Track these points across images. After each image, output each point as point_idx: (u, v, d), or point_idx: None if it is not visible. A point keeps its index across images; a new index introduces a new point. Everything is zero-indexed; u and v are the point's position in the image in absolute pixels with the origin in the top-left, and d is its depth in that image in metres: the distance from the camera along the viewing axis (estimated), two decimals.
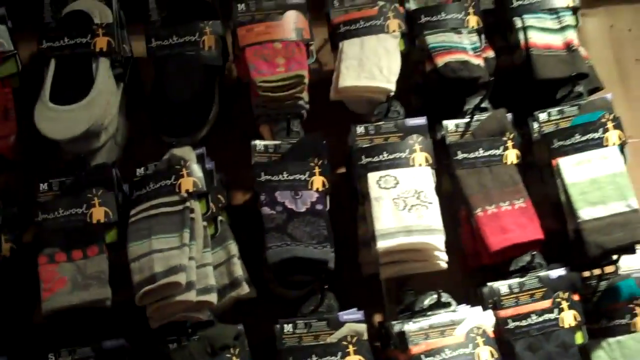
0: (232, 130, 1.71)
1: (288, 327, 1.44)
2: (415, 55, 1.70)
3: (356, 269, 1.58)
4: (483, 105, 1.66)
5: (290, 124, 1.60)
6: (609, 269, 1.56)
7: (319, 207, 1.53)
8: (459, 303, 1.51)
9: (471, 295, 1.53)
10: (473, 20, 1.70)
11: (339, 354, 1.40)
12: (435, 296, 1.47)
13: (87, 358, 1.42)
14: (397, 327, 1.44)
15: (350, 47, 1.65)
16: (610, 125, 1.59)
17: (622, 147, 1.58)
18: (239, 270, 1.47)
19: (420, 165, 1.55)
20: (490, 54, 1.72)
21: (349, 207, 1.60)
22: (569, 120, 1.62)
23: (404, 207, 1.50)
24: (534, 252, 1.53)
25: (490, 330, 1.43)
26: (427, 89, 1.71)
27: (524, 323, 1.47)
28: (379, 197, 1.51)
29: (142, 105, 1.66)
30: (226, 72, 1.77)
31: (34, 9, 1.70)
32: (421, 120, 1.61)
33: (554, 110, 1.63)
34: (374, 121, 1.62)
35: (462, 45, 1.67)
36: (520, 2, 1.71)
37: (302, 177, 1.55)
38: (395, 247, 1.45)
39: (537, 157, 1.62)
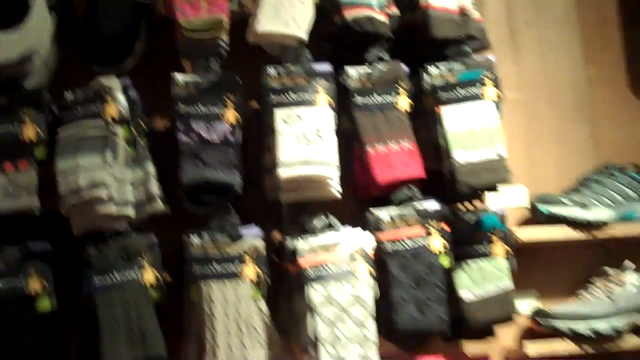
0: (157, 62, 1.86)
1: (195, 239, 1.65)
2: (327, 7, 1.89)
3: (261, 193, 1.79)
4: (383, 56, 1.87)
5: (209, 62, 1.78)
6: (476, 204, 1.82)
7: (231, 138, 1.72)
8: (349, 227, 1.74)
9: (358, 220, 1.76)
10: None
11: (238, 263, 1.63)
12: (324, 218, 1.70)
13: (14, 256, 1.60)
14: (290, 243, 1.67)
15: None
16: (489, 83, 1.82)
17: (497, 103, 1.82)
18: (155, 188, 1.65)
19: (322, 105, 1.76)
20: (395, 11, 1.92)
21: (258, 138, 1.80)
22: (455, 75, 1.85)
23: (305, 142, 1.71)
24: (414, 187, 1.77)
25: (369, 251, 1.68)
26: (335, 38, 1.91)
27: (398, 246, 1.71)
28: (283, 131, 1.71)
29: (73, 35, 1.80)
30: (154, 7, 1.91)
31: None
32: (326, 66, 1.80)
33: (443, 66, 1.85)
34: (285, 64, 1.81)
35: (369, 2, 1.86)
36: None
37: (217, 110, 1.73)
38: (294, 176, 1.67)
39: (425, 105, 1.85)
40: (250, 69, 1.80)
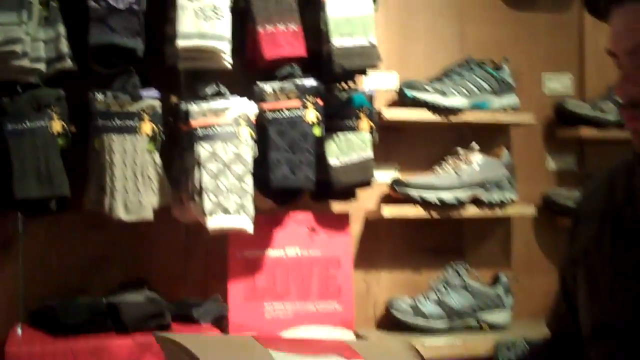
0: None
1: (99, 96, 1.88)
2: None
3: (161, 59, 2.01)
4: None
5: None
6: (349, 85, 2.11)
7: (136, 7, 1.90)
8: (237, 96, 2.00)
9: (245, 90, 2.01)
10: None
11: (136, 119, 1.87)
12: (215, 86, 1.95)
13: None
14: (184, 106, 1.92)
15: None
16: None
17: None
18: (64, 47, 1.85)
19: None
20: None
21: (162, 9, 2.00)
22: None
23: (202, 17, 1.92)
24: (296, 65, 2.03)
25: (252, 117, 1.95)
26: None
27: (278, 115, 1.99)
28: (184, 6, 1.91)
29: None
30: None
31: None
32: None
33: None
34: None
35: None
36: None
37: None
38: (190, 47, 1.90)
39: None
40: None
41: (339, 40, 2.01)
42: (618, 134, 2.39)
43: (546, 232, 2.52)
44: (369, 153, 2.11)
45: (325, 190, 2.11)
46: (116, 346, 1.77)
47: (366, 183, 2.14)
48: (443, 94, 2.29)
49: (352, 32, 2.02)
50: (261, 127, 1.97)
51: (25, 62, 1.78)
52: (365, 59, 2.03)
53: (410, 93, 2.27)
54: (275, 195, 2.05)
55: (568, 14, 2.57)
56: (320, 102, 2.03)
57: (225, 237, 2.05)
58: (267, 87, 2.00)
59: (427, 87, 2.29)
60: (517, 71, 2.44)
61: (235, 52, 1.97)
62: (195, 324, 1.95)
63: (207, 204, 1.88)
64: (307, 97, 2.01)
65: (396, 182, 2.28)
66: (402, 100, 2.29)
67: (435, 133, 2.40)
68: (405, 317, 2.22)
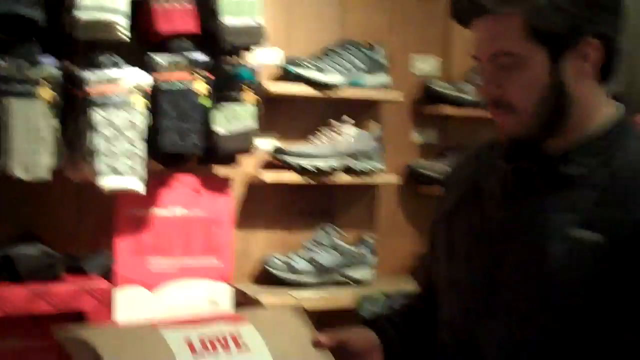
0: None
1: (0, 62, 1.98)
2: None
3: (61, 28, 2.11)
4: None
5: None
6: (236, 60, 2.29)
7: None
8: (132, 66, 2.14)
9: (140, 61, 2.16)
10: None
11: (35, 85, 1.99)
12: (111, 56, 2.09)
13: None
14: (80, 73, 2.05)
15: None
16: None
17: None
18: None
19: None
20: None
21: None
22: None
23: None
24: (188, 40, 2.20)
25: (145, 87, 2.11)
26: None
27: (170, 86, 2.15)
28: None
29: None
30: None
31: None
32: None
33: None
34: None
35: None
36: None
37: None
38: (88, 19, 2.02)
39: None
40: None
41: (228, 19, 2.19)
42: (475, 112, 2.70)
43: (409, 199, 2.81)
44: (252, 123, 2.31)
45: (210, 156, 2.30)
46: (12, 294, 1.92)
47: (247, 150, 2.33)
48: (322, 71, 2.52)
49: (241, 13, 2.20)
50: (154, 97, 2.13)
51: None
52: (251, 37, 2.22)
53: (292, 69, 2.48)
54: (165, 159, 2.22)
55: (438, 2, 2.83)
56: (210, 76, 2.21)
57: (115, 196, 2.21)
58: (160, 59, 2.15)
59: (307, 64, 2.51)
60: (391, 53, 2.69)
61: (131, 25, 2.11)
62: (85, 275, 2.12)
63: (100, 166, 2.03)
64: (198, 70, 2.18)
65: (276, 150, 2.50)
66: (285, 75, 2.50)
67: (314, 107, 2.62)
68: (279, 272, 2.47)
